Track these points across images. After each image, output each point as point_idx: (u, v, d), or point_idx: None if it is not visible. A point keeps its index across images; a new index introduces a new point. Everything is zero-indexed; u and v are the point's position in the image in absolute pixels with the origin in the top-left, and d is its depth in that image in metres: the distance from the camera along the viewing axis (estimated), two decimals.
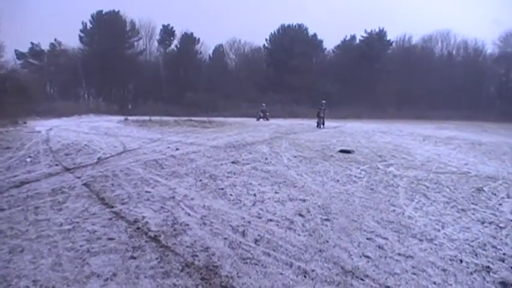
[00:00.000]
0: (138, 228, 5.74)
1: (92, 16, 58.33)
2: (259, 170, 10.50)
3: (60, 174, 9.53)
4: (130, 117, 31.80)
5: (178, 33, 62.67)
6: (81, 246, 5.04)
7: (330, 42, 66.64)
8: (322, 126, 27.71)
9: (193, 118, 32.51)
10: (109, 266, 4.50)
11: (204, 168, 10.51)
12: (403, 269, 4.63)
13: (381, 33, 64.44)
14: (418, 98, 56.15)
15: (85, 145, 14.37)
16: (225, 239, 5.40)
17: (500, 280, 4.45)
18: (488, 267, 4.77)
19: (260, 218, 6.40)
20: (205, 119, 32.28)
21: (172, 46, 62.92)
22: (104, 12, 58.50)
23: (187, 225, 5.92)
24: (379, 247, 5.28)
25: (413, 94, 57.24)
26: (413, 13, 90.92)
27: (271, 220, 6.28)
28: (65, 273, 4.30)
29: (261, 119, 36.82)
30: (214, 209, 6.83)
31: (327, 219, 6.39)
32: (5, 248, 4.94)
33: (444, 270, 4.64)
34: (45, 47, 56.83)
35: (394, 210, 7.05)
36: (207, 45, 64.31)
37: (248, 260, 4.75)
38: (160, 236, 5.44)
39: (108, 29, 56.43)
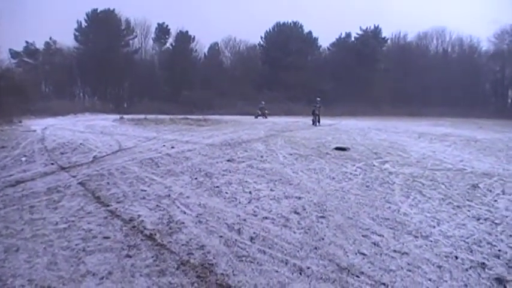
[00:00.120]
0: (133, 226, 5.74)
1: (87, 15, 58.22)
2: (255, 167, 10.51)
3: (56, 173, 9.51)
4: (125, 116, 31.75)
5: (173, 32, 62.74)
6: (76, 245, 5.04)
7: (325, 39, 66.83)
8: (317, 123, 27.72)
9: (188, 116, 32.51)
10: (104, 264, 4.50)
11: (199, 166, 10.50)
12: (399, 266, 4.64)
13: (376, 31, 64.58)
14: (414, 95, 56.28)
15: (80, 144, 14.32)
16: (221, 237, 5.41)
17: (495, 276, 4.46)
18: (484, 263, 4.78)
19: (256, 215, 6.40)
20: (200, 117, 32.29)
21: (168, 44, 62.96)
22: (99, 11, 58.35)
23: (183, 223, 5.91)
24: (375, 244, 5.30)
25: (408, 91, 57.35)
26: (408, 10, 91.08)
27: (266, 218, 6.29)
28: (61, 272, 4.30)
29: (260, 117, 36.65)
30: (209, 207, 6.83)
31: (322, 217, 6.40)
32: (0, 248, 4.94)
33: (439, 266, 4.66)
34: (40, 45, 56.74)
35: (389, 207, 7.06)
36: (202, 44, 64.38)
37: (243, 258, 4.75)
38: (155, 234, 5.44)
39: (103, 28, 56.25)
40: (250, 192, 7.90)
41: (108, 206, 6.79)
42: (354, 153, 13.33)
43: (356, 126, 26.27)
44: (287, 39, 61.98)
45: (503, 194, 8.35)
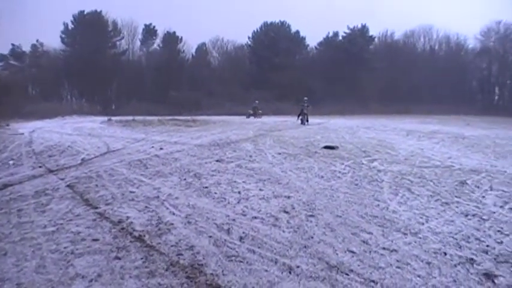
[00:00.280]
0: (122, 228, 5.72)
1: (73, 17, 58.25)
2: (244, 167, 10.50)
3: (44, 176, 9.46)
4: (113, 118, 31.61)
5: (160, 33, 63.11)
6: (65, 247, 5.01)
7: (313, 39, 67.36)
8: (306, 122, 27.79)
9: (177, 117, 32.47)
10: (94, 267, 4.48)
11: (188, 167, 10.49)
12: (388, 263, 4.65)
13: (363, 29, 65.09)
14: (402, 93, 56.62)
15: (68, 146, 14.25)
16: (210, 237, 5.40)
17: (483, 272, 4.48)
18: (472, 259, 4.80)
19: (245, 215, 6.40)
20: (189, 117, 32.24)
21: (155, 45, 63.19)
22: (85, 13, 58.29)
23: (172, 224, 5.90)
24: (364, 242, 5.31)
25: (396, 89, 57.75)
26: (395, 9, 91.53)
27: (256, 217, 6.28)
28: (49, 276, 4.28)
29: (252, 117, 36.34)
30: (198, 207, 6.81)
31: (311, 215, 6.41)
32: None
33: (428, 263, 4.67)
34: (26, 48, 56.62)
35: (378, 205, 7.08)
36: (190, 44, 64.68)
37: (233, 258, 4.75)
38: (145, 235, 5.42)
39: (90, 30, 56.25)
40: (239, 192, 7.90)
41: (96, 208, 6.75)
42: (342, 151, 13.35)
43: (344, 125, 26.36)
44: (275, 39, 62.23)
45: (491, 190, 8.39)
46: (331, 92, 54.13)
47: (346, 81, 57.57)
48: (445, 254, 4.94)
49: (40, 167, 10.63)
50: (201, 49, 64.99)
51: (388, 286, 4.14)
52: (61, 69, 55.97)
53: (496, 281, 4.30)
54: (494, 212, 6.73)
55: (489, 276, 4.39)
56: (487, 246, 5.22)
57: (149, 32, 62.50)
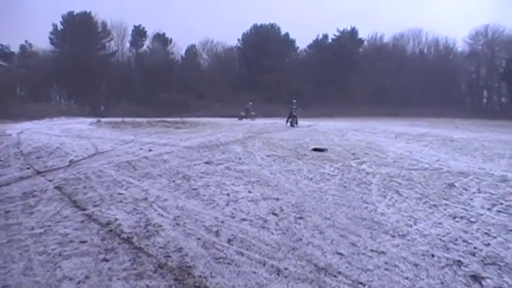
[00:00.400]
0: (110, 230, 5.70)
1: (63, 17, 57.95)
2: (233, 169, 10.50)
3: (32, 177, 9.40)
4: (102, 119, 31.48)
5: (150, 34, 62.99)
6: (53, 249, 4.99)
7: (303, 41, 67.51)
8: (295, 125, 27.88)
9: (166, 119, 32.37)
10: (81, 269, 4.47)
11: (177, 169, 10.47)
12: (376, 265, 4.67)
13: (353, 32, 65.35)
14: (391, 96, 56.99)
15: (57, 148, 14.17)
16: (198, 239, 5.40)
17: (471, 273, 4.52)
18: (460, 261, 4.84)
19: (233, 217, 6.40)
20: (178, 119, 32.18)
21: (145, 47, 63.01)
22: (75, 14, 58.04)
23: (160, 226, 5.89)
24: (352, 244, 5.32)
25: (385, 92, 58.15)
26: (384, 12, 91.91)
27: (244, 219, 6.29)
28: (37, 278, 4.26)
29: (244, 119, 36.19)
30: (187, 209, 6.81)
31: (300, 218, 6.42)
32: None
33: (416, 265, 4.70)
34: (15, 49, 56.34)
35: (366, 207, 7.10)
36: (180, 46, 64.68)
37: (221, 260, 4.75)
38: (133, 237, 5.41)
39: (79, 31, 55.99)
40: (228, 194, 7.89)
41: (84, 210, 6.73)
42: (331, 154, 13.38)
43: (334, 127, 26.44)
44: (264, 41, 62.25)
45: (479, 192, 8.44)
46: (321, 94, 54.31)
47: (335, 84, 57.79)
48: (433, 256, 4.97)
49: (28, 168, 10.56)
50: (191, 51, 64.94)
51: None
52: (50, 70, 55.66)
53: (483, 283, 4.34)
54: (482, 215, 6.77)
55: (476, 278, 4.42)
56: (475, 248, 5.26)
57: (139, 33, 62.35)
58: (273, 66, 59.64)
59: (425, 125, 31.25)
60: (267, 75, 57.24)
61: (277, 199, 7.59)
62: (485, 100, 65.29)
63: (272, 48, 62.01)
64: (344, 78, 59.25)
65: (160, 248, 5.07)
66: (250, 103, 38.88)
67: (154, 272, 4.39)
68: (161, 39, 61.85)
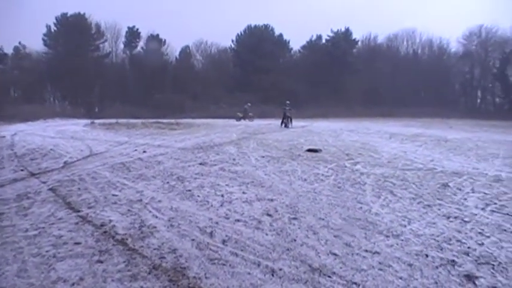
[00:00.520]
0: (105, 231, 5.70)
1: (56, 19, 57.63)
2: (227, 170, 10.50)
3: (26, 179, 9.38)
4: (97, 121, 31.40)
5: (144, 35, 62.61)
6: (47, 251, 4.99)
7: (297, 42, 67.45)
8: (290, 125, 27.96)
9: (160, 120, 32.34)
10: (76, 270, 4.46)
11: (171, 170, 10.46)
12: (370, 265, 4.68)
13: (347, 33, 65.28)
14: (385, 96, 57.00)
15: (51, 149, 14.13)
16: (193, 240, 5.40)
17: (465, 273, 4.54)
18: (453, 261, 4.86)
19: (228, 218, 6.41)
20: (172, 120, 32.20)
21: (138, 48, 62.74)
22: (68, 15, 57.78)
23: (155, 227, 5.89)
24: (346, 244, 5.34)
25: (380, 92, 58.15)
26: (378, 13, 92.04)
27: (238, 220, 6.29)
28: (31, 280, 4.26)
29: (242, 120, 36.06)
30: (181, 210, 6.81)
31: (294, 218, 6.43)
32: None
33: (410, 265, 4.72)
34: (8, 50, 56.13)
35: (361, 208, 7.13)
36: (174, 47, 64.45)
37: (216, 261, 4.76)
38: (127, 239, 5.41)
39: (73, 32, 55.72)
40: (222, 195, 7.90)
41: (79, 211, 6.72)
42: (325, 154, 13.41)
43: (328, 128, 26.49)
44: (258, 42, 62.17)
45: (473, 192, 8.47)
46: (315, 95, 54.33)
47: (329, 85, 57.78)
48: (427, 256, 4.99)
49: (22, 170, 10.55)
50: (185, 52, 64.80)
51: None
52: (44, 71, 55.43)
53: (477, 282, 4.36)
54: (476, 214, 6.80)
55: (470, 277, 4.44)
56: (468, 248, 5.28)
57: (133, 34, 62.15)
58: (267, 67, 59.60)
59: (419, 125, 31.36)
60: (261, 76, 57.23)
61: (272, 200, 7.60)
62: (479, 100, 65.42)
63: (266, 49, 61.92)
64: (338, 79, 59.28)
65: (154, 249, 5.07)
66: (249, 104, 38.70)
67: (149, 274, 4.39)
68: (155, 40, 61.68)
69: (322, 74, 58.78)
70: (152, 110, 45.13)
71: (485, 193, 8.37)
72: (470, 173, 10.64)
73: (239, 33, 65.43)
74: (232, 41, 65.81)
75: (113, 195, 7.88)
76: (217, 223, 6.14)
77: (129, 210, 6.81)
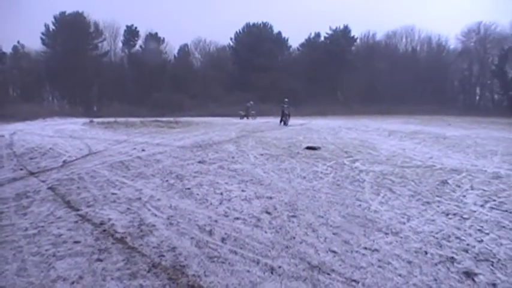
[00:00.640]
0: (104, 230, 5.70)
1: (54, 18, 57.46)
2: (226, 168, 10.50)
3: (25, 178, 9.37)
4: (95, 119, 31.28)
5: (142, 34, 62.47)
6: (46, 250, 4.99)
7: (295, 40, 67.34)
8: (287, 119, 27.94)
9: (159, 119, 32.22)
10: (75, 269, 4.47)
11: (170, 168, 10.46)
12: (369, 263, 4.69)
13: (345, 30, 65.15)
14: (384, 94, 56.96)
15: (50, 148, 14.11)
16: (192, 238, 5.40)
17: (464, 270, 4.55)
18: (453, 258, 4.87)
19: (227, 216, 6.41)
20: (171, 119, 32.06)
21: (137, 46, 62.62)
22: (67, 14, 57.64)
23: (154, 225, 5.90)
24: (345, 242, 5.35)
25: (378, 90, 58.12)
26: (376, 10, 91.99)
27: (238, 218, 6.30)
28: (31, 278, 4.26)
29: (245, 118, 35.97)
30: (180, 209, 6.82)
31: (293, 216, 6.44)
32: None
33: (409, 262, 4.73)
34: (7, 49, 56.03)
35: (360, 205, 7.13)
36: (172, 45, 64.36)
37: (215, 259, 4.76)
38: (126, 237, 5.41)
39: (71, 31, 55.56)
40: (221, 193, 7.90)
41: (78, 210, 6.72)
42: (324, 152, 13.40)
43: (327, 126, 26.44)
44: (257, 40, 62.10)
45: (472, 189, 8.48)
46: (314, 92, 54.32)
47: (328, 82, 57.79)
48: (426, 253, 5.00)
49: (21, 169, 10.53)
50: (183, 50, 64.74)
51: (370, 285, 4.19)
52: (42, 70, 55.36)
53: (476, 279, 4.37)
54: (475, 211, 6.81)
55: (469, 274, 4.45)
56: (468, 245, 5.29)
57: (131, 33, 62.04)
58: (266, 65, 59.55)
59: (418, 122, 31.36)
60: (260, 74, 57.16)
61: (271, 198, 7.60)
62: (477, 97, 65.42)
63: (265, 47, 61.85)
64: (337, 77, 59.27)
65: (154, 247, 5.08)
66: (251, 102, 38.39)
67: (148, 272, 4.40)
68: (154, 38, 61.56)
69: (320, 71, 58.81)
70: (151, 109, 45.05)
71: (484, 190, 8.38)
72: (469, 170, 10.65)
73: (238, 32, 65.37)
74: (231, 39, 65.81)
75: (112, 193, 7.88)
76: (216, 221, 6.14)
77: (128, 208, 6.82)
